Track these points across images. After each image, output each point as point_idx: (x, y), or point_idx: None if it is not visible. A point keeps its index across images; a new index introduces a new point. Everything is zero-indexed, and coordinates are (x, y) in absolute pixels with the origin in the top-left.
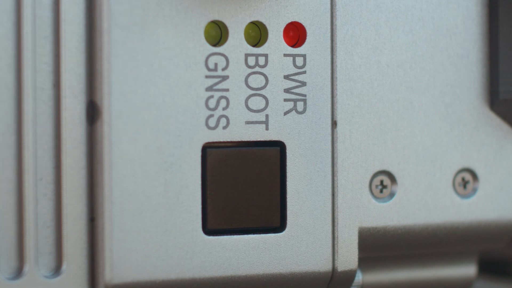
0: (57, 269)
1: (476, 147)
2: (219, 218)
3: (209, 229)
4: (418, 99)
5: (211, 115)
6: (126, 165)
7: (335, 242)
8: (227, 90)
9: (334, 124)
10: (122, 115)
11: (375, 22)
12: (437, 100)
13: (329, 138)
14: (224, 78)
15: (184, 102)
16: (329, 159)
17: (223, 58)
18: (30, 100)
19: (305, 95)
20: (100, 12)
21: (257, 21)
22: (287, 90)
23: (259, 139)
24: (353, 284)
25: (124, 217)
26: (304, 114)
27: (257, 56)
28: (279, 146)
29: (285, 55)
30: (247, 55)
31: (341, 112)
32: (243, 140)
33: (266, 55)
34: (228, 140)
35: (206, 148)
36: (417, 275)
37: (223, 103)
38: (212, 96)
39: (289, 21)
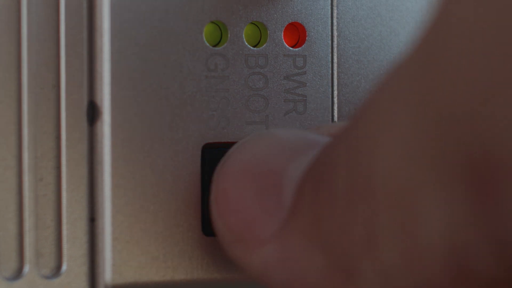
0: (57, 270)
1: None
2: None
3: (208, 230)
4: None
5: (211, 115)
6: (126, 165)
7: None
8: (227, 90)
9: None
10: (122, 116)
11: None
12: None
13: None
14: (224, 78)
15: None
16: None
17: (223, 59)
18: (30, 101)
19: (305, 96)
20: (101, 12)
21: (257, 22)
22: (287, 91)
23: None
24: None
25: (124, 217)
26: (304, 114)
27: (257, 56)
28: None
29: (285, 55)
30: (247, 56)
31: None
32: None
33: (266, 56)
34: (228, 140)
35: (206, 148)
36: None
37: (223, 103)
38: (212, 97)
39: (289, 21)
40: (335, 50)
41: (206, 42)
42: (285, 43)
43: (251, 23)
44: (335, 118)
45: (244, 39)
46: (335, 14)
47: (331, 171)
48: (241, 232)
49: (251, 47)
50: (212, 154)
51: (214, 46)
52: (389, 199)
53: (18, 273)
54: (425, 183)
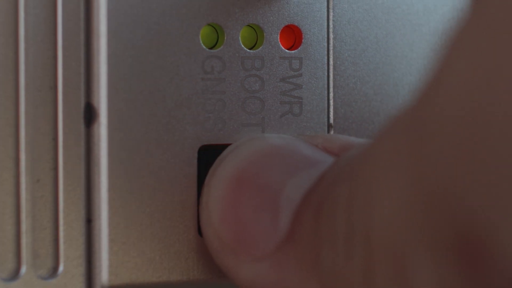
0: (54, 271)
1: None
2: None
3: None
4: None
5: (208, 118)
6: (123, 167)
7: None
8: (223, 92)
9: (329, 126)
10: (119, 118)
11: None
12: None
13: None
14: (221, 80)
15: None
16: None
17: (219, 61)
18: (27, 102)
19: (301, 98)
20: (98, 14)
21: (254, 24)
22: (283, 93)
23: None
24: None
25: (121, 219)
26: (300, 116)
27: (253, 59)
28: None
29: (281, 57)
30: (243, 58)
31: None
32: None
33: (262, 58)
34: (225, 142)
35: (202, 150)
36: None
37: (219, 105)
38: (208, 99)
39: (285, 24)
40: (331, 52)
41: (202, 44)
42: (281, 46)
43: (248, 25)
44: (331, 120)
45: (240, 42)
46: (331, 17)
47: (334, 207)
48: (233, 243)
49: (247, 50)
50: (209, 156)
51: (211, 48)
52: (385, 253)
53: (15, 274)
54: (416, 246)
